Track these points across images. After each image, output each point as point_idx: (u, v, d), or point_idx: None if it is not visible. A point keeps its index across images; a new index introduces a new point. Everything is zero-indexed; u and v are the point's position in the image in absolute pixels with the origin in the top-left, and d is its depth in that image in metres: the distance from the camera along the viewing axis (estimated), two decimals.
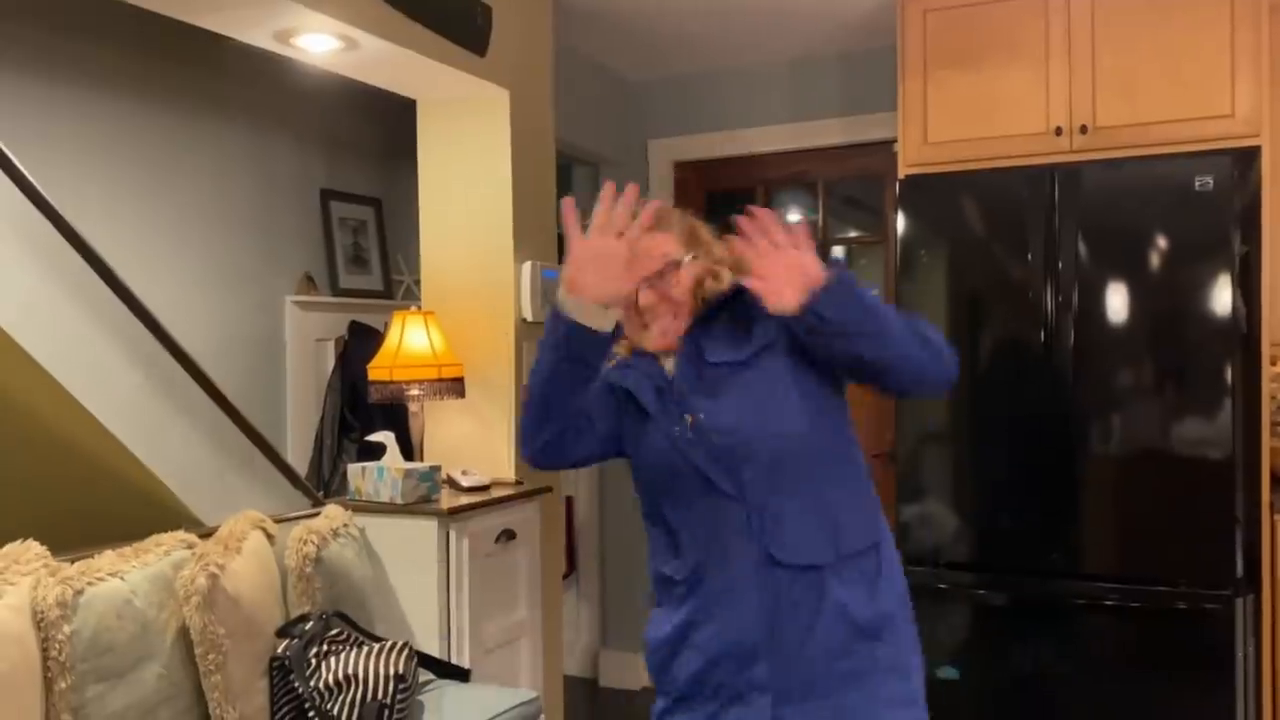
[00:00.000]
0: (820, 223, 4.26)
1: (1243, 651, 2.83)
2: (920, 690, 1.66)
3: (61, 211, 2.54)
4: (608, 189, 1.50)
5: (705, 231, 1.73)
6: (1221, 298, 2.78)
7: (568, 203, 1.51)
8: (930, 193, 3.13)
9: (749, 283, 1.51)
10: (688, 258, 1.65)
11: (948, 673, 3.00)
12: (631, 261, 1.51)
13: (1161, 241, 2.86)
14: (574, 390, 1.58)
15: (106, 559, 2.18)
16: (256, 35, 2.66)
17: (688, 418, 1.60)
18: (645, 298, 1.62)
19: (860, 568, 1.60)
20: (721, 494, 1.58)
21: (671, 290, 1.64)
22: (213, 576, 2.22)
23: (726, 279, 1.65)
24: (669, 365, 1.67)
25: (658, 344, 1.66)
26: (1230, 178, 2.76)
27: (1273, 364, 3.27)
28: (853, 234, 4.37)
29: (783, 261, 1.48)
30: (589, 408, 1.65)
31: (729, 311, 1.66)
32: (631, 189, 1.50)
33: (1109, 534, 2.92)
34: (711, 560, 1.59)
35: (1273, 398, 3.38)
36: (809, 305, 1.46)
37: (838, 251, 4.31)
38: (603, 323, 1.51)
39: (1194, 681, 2.80)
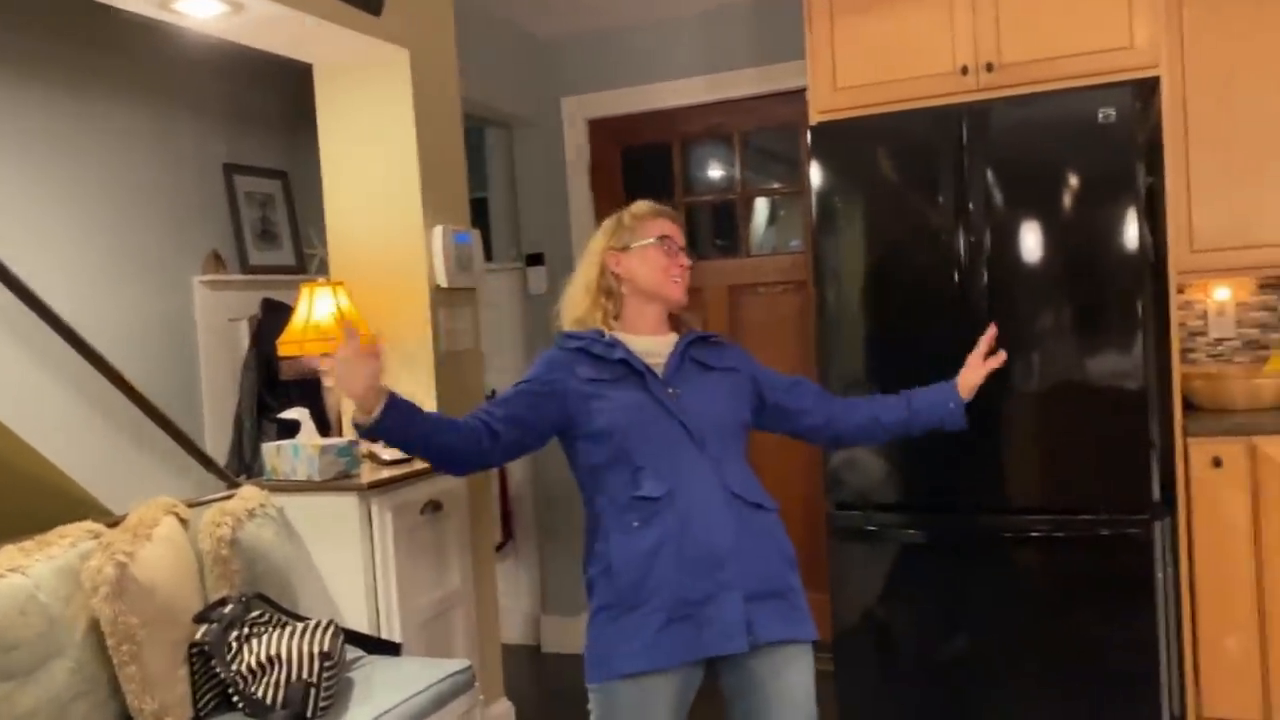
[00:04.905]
0: (738, 176, 4.23)
1: (1162, 573, 2.90)
2: None
3: None
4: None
5: None
6: (1129, 230, 2.81)
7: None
8: (841, 139, 3.11)
9: None
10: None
11: None
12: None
13: (1069, 177, 2.87)
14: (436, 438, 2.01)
15: (6, 554, 2.10)
16: (135, 1, 2.54)
17: (670, 390, 2.12)
18: (681, 258, 2.20)
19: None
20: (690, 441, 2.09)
21: (685, 261, 2.21)
22: (121, 565, 2.15)
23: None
24: (641, 347, 2.16)
25: (678, 293, 2.20)
26: (1132, 109, 2.78)
27: (1180, 292, 3.33)
28: (774, 185, 4.35)
29: None
30: (524, 426, 2.08)
31: (708, 348, 2.25)
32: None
33: (1031, 468, 2.96)
34: (681, 486, 2.04)
35: (1181, 325, 3.45)
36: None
37: (760, 204, 4.29)
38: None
39: (1118, 604, 2.86)
